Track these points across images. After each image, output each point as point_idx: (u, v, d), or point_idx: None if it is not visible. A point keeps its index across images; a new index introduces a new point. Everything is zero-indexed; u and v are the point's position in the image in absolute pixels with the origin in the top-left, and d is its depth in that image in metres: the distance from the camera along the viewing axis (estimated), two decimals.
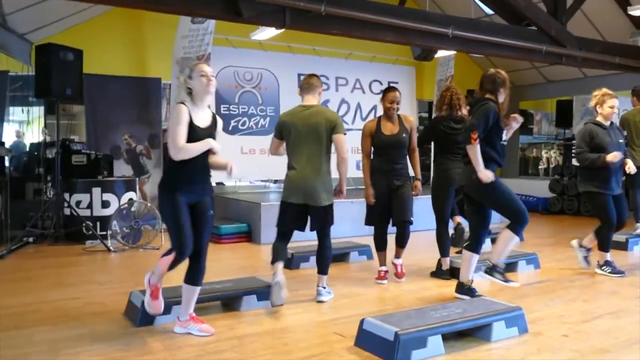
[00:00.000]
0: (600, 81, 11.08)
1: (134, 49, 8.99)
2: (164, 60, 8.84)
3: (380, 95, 5.50)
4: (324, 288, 4.79)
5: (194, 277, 3.91)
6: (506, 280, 4.68)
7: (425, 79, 11.80)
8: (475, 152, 4.36)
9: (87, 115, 8.48)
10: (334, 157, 4.60)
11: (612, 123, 5.73)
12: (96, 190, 7.48)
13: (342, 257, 6.39)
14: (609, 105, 5.61)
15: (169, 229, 3.78)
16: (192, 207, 3.72)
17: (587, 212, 10.88)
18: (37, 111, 8.97)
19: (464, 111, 5.68)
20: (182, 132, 3.53)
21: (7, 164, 7.72)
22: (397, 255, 5.51)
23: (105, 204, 7.47)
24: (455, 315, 3.66)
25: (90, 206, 7.44)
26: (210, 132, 3.70)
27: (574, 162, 12.03)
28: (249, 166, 9.19)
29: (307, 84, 4.80)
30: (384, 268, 5.45)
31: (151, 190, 8.79)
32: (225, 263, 6.42)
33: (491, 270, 4.70)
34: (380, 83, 10.95)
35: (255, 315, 4.26)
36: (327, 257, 4.74)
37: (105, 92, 8.46)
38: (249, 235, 7.73)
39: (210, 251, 6.90)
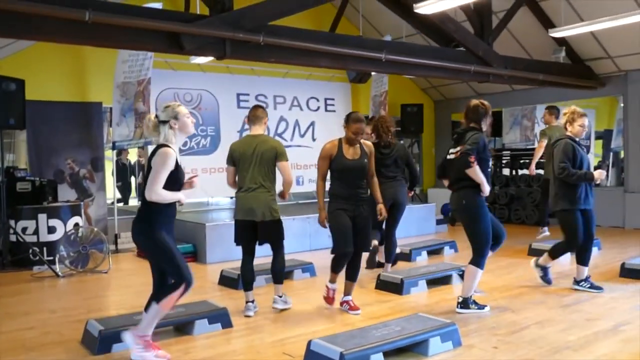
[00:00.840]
0: (526, 94, 11.96)
1: (75, 75, 9.08)
2: (105, 84, 8.96)
3: (344, 120, 5.16)
4: (280, 297, 5.32)
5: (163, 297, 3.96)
6: (482, 307, 5.17)
7: (361, 95, 12.27)
8: (476, 172, 4.89)
9: (30, 141, 8.52)
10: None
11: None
12: (42, 217, 7.57)
13: (286, 275, 6.66)
14: (578, 124, 5.66)
15: (170, 264, 3.93)
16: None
17: (518, 219, 11.60)
18: None
19: (391, 137, 6.51)
20: (164, 178, 3.78)
21: None
22: (348, 292, 5.30)
23: (51, 230, 7.57)
24: (395, 333, 4.02)
25: (36, 232, 7.53)
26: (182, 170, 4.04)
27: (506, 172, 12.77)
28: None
29: (253, 116, 5.28)
30: (334, 286, 5.32)
31: (96, 213, 8.90)
32: None
33: (464, 304, 5.15)
34: (317, 100, 11.38)
35: (208, 338, 4.54)
36: (280, 267, 5.31)
37: (47, 118, 8.53)
38: (195, 255, 7.96)
39: None
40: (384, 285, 6.10)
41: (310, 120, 11.32)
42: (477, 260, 5.09)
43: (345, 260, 5.13)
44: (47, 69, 8.70)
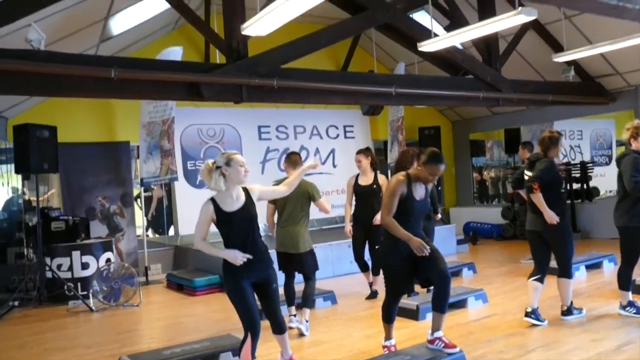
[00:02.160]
0: (542, 111, 12.11)
1: (103, 116, 9.62)
2: (132, 124, 9.47)
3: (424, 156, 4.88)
4: (307, 322, 5.81)
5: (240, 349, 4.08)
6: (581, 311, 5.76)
7: (379, 121, 12.59)
8: (538, 198, 5.35)
9: (63, 182, 9.06)
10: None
11: None
12: (75, 254, 8.03)
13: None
14: None
15: (237, 313, 4.03)
16: (258, 285, 4.07)
17: (523, 235, 11.70)
18: (16, 179, 9.47)
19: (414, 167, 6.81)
20: (202, 230, 3.98)
21: None
22: (438, 327, 4.69)
23: (84, 266, 8.03)
24: None
25: (70, 268, 7.99)
26: (245, 210, 4.00)
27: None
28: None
29: (289, 160, 6.02)
30: (392, 343, 4.94)
31: (126, 247, 9.37)
32: (200, 317, 7.02)
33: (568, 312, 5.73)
34: (336, 127, 11.76)
35: None
36: (310, 293, 5.90)
37: (78, 159, 9.05)
38: (221, 286, 8.32)
39: (185, 305, 7.65)
40: (400, 311, 6.32)
41: (330, 148, 11.68)
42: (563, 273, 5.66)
43: (396, 303, 4.85)
44: (76, 113, 9.22)
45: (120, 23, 8.19)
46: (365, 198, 6.96)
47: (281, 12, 5.03)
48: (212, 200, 4.01)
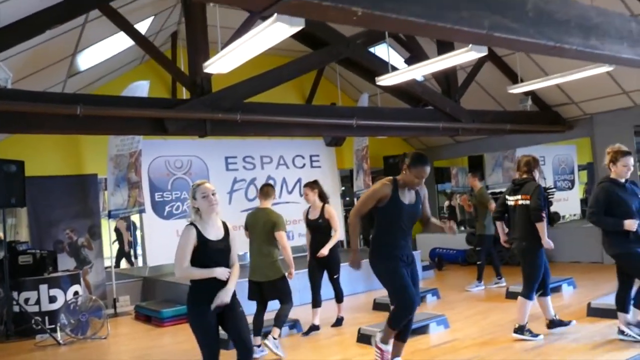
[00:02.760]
0: (503, 139, 12.46)
1: (71, 150, 9.72)
2: (100, 157, 9.56)
3: (408, 160, 4.89)
4: (275, 339, 6.07)
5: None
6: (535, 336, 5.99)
7: (345, 150, 12.86)
8: (543, 227, 5.72)
9: (30, 215, 9.09)
10: None
11: (626, 180, 5.50)
12: (43, 287, 8.06)
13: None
14: (622, 164, 5.40)
15: (198, 342, 4.06)
16: (222, 313, 4.07)
17: (501, 260, 11.99)
18: None
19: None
20: (186, 255, 3.93)
21: None
22: (398, 354, 4.98)
23: (52, 299, 8.05)
24: None
25: (38, 302, 8.00)
26: (224, 243, 4.07)
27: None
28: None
29: (262, 192, 6.45)
30: (389, 348, 4.92)
31: (94, 279, 9.40)
32: (167, 349, 7.09)
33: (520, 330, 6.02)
34: (303, 157, 11.97)
35: None
36: (282, 314, 6.19)
37: (46, 192, 9.11)
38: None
39: (153, 336, 7.72)
40: (364, 338, 6.53)
41: (297, 177, 11.87)
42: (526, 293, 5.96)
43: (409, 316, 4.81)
44: (44, 147, 9.30)
45: (88, 58, 8.35)
46: (314, 231, 7.18)
47: (241, 52, 5.26)
48: (193, 225, 4.03)
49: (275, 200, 11.20)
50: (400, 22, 3.31)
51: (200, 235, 3.97)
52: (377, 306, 8.30)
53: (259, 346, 6.04)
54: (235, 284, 4.12)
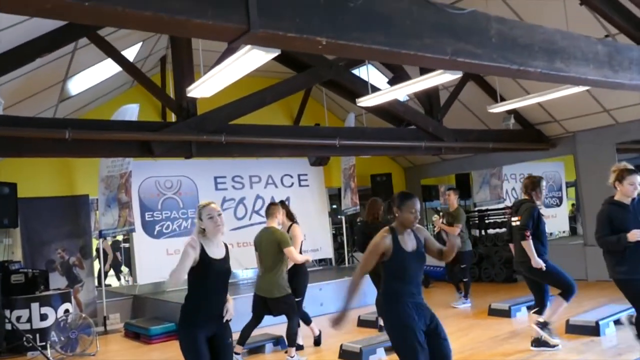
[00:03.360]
0: (488, 157, 12.71)
1: (62, 172, 9.97)
2: (91, 178, 9.80)
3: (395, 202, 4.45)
4: (292, 357, 6.39)
5: None
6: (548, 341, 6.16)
7: (333, 169, 13.12)
8: (528, 245, 5.90)
9: (23, 235, 9.29)
10: None
11: (634, 199, 5.19)
12: (34, 305, 8.23)
13: (257, 348, 7.29)
14: (628, 182, 5.12)
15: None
16: (212, 339, 3.98)
17: (487, 277, 12.23)
18: None
19: (379, 218, 7.85)
20: (184, 266, 3.82)
21: None
22: None
23: (43, 317, 8.21)
24: None
25: (29, 320, 8.15)
26: (226, 262, 4.03)
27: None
28: (174, 265, 10.14)
29: (267, 212, 6.72)
30: None
31: (85, 298, 9.58)
32: None
33: (543, 326, 6.22)
34: (291, 177, 12.21)
35: None
36: (290, 333, 6.43)
37: (38, 213, 9.31)
38: (177, 334, 8.56)
39: (140, 353, 7.89)
40: (346, 354, 6.71)
41: (285, 196, 12.06)
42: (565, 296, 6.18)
43: None
44: (37, 168, 9.53)
45: (79, 84, 8.61)
46: None
47: (222, 77, 5.49)
48: (197, 241, 3.93)
49: (264, 219, 11.54)
50: (364, 50, 3.57)
51: (203, 252, 3.90)
52: (362, 323, 8.51)
53: (238, 354, 6.28)
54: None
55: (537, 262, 5.96)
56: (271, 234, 6.48)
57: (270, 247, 6.42)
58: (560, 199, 15.95)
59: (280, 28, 3.09)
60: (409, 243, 4.16)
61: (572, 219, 16.99)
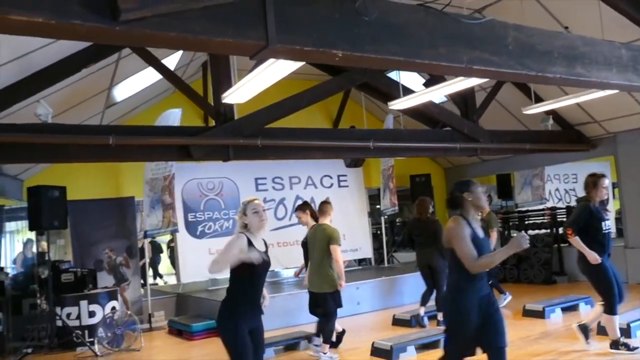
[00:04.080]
0: (530, 157, 12.62)
1: (109, 175, 10.43)
2: (136, 181, 10.23)
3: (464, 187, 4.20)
4: (325, 354, 6.66)
5: None
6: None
7: (372, 169, 13.28)
8: (576, 242, 5.87)
9: (73, 236, 9.77)
10: None
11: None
12: (83, 303, 8.68)
13: (292, 346, 7.49)
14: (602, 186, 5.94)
15: (230, 355, 4.02)
16: (251, 332, 4.03)
17: (526, 279, 12.16)
18: (31, 235, 10.22)
19: (429, 214, 8.46)
20: (230, 257, 3.93)
21: (6, 285, 8.93)
22: None
23: (91, 314, 8.65)
24: None
25: (79, 317, 8.61)
26: (266, 257, 4.14)
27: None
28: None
29: (320, 210, 7.03)
30: None
31: (132, 296, 9.99)
32: None
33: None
34: (330, 177, 12.40)
35: None
36: (326, 329, 6.72)
37: (87, 214, 9.78)
38: (218, 331, 8.85)
39: (182, 348, 8.20)
40: (377, 351, 6.87)
41: (325, 197, 12.21)
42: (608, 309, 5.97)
43: None
44: (85, 172, 9.99)
45: (123, 91, 9.01)
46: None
47: (255, 84, 5.73)
48: (244, 234, 4.06)
49: None
50: (379, 61, 3.75)
51: (250, 244, 4.00)
52: (396, 322, 8.64)
53: (318, 345, 6.80)
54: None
55: (591, 255, 5.82)
56: (324, 230, 6.79)
57: (321, 242, 6.72)
58: (607, 199, 15.59)
59: (297, 43, 3.29)
60: (479, 229, 4.09)
61: (619, 220, 16.66)
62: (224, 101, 6.42)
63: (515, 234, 4.14)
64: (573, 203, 13.84)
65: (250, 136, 7.36)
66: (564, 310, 8.54)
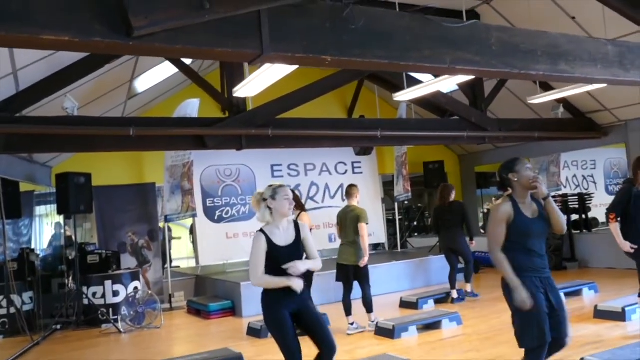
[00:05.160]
0: (543, 145, 12.80)
1: (132, 162, 10.94)
2: (157, 167, 10.74)
3: (509, 167, 4.07)
4: (372, 322, 7.39)
5: None
6: None
7: (386, 156, 13.62)
8: (613, 228, 5.90)
9: (98, 220, 10.34)
10: None
11: None
12: (108, 283, 9.24)
13: None
14: None
15: (278, 345, 4.03)
16: (298, 314, 4.03)
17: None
18: (59, 219, 10.81)
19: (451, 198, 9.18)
20: (260, 263, 3.93)
21: (37, 265, 9.54)
22: None
23: (115, 293, 9.20)
24: None
25: (103, 296, 9.17)
26: (294, 247, 4.06)
27: None
28: (234, 248, 11.06)
29: (348, 193, 7.70)
30: None
31: (153, 277, 10.55)
32: (210, 337, 8.06)
33: None
34: (345, 164, 12.78)
35: None
36: (366, 300, 7.40)
37: (111, 199, 10.34)
38: (233, 311, 9.34)
39: (200, 326, 8.72)
40: (381, 331, 7.29)
41: (339, 183, 12.65)
42: None
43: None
44: (109, 160, 10.51)
45: (144, 82, 9.48)
46: None
47: (263, 79, 6.12)
48: (262, 231, 4.04)
49: (318, 205, 12.30)
50: (366, 64, 4.12)
51: (269, 241, 3.99)
52: (403, 304, 9.05)
53: (352, 323, 7.35)
54: (312, 267, 4.15)
55: (622, 244, 5.82)
56: (353, 210, 7.49)
57: (351, 221, 7.41)
58: None
59: (289, 50, 3.67)
60: (529, 209, 3.96)
61: None
62: (234, 95, 6.83)
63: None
64: (591, 189, 14.11)
65: (261, 126, 7.77)
66: (567, 295, 8.79)
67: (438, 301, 9.20)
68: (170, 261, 12.15)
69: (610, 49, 5.44)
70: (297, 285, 3.92)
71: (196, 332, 8.50)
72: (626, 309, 7.03)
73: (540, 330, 3.80)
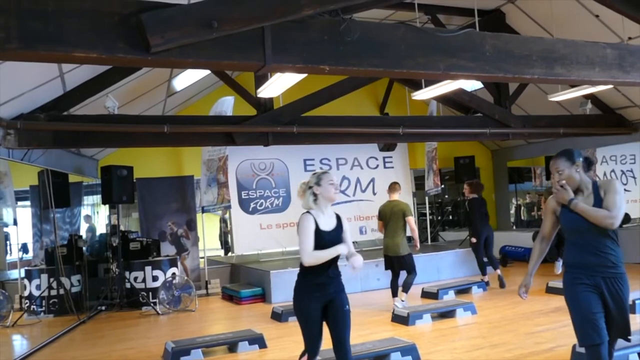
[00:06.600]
0: (572, 140, 12.88)
1: (172, 156, 11.62)
2: (195, 161, 11.40)
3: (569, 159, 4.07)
4: (403, 301, 8.09)
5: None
6: None
7: (418, 151, 13.95)
8: None
9: (140, 210, 11.07)
10: None
11: None
12: (148, 268, 9.95)
13: None
14: None
15: (302, 332, 4.15)
16: (329, 306, 4.10)
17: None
18: (104, 209, 11.59)
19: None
20: (310, 241, 3.99)
21: (84, 251, 10.33)
22: None
23: (155, 278, 9.91)
24: (364, 348, 5.76)
25: (144, 280, 9.91)
26: (336, 233, 4.14)
27: None
28: (267, 239, 11.66)
29: (391, 188, 8.40)
30: None
31: (191, 264, 11.21)
32: (239, 320, 8.68)
33: None
34: (376, 159, 13.17)
35: (247, 355, 6.44)
36: (408, 282, 8.17)
37: (152, 191, 11.04)
38: (263, 297, 9.91)
39: (231, 311, 9.32)
40: (397, 318, 7.72)
41: (370, 177, 13.08)
42: None
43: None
44: (150, 153, 11.17)
45: (182, 81, 10.07)
46: None
47: (284, 80, 6.60)
48: (309, 213, 4.13)
49: (349, 198, 12.74)
50: (362, 72, 4.55)
51: (316, 224, 4.06)
52: (425, 294, 9.43)
53: (403, 301, 8.11)
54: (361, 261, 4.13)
55: None
56: (397, 205, 8.16)
57: (395, 215, 8.05)
58: None
59: (290, 61, 4.14)
60: (582, 197, 3.84)
61: None
62: (258, 95, 7.35)
63: None
64: (630, 184, 14.07)
65: (287, 124, 8.28)
66: None
67: (460, 292, 9.54)
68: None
69: (609, 52, 5.68)
70: (343, 249, 4.05)
71: (227, 316, 9.11)
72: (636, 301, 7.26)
73: (593, 328, 3.66)
